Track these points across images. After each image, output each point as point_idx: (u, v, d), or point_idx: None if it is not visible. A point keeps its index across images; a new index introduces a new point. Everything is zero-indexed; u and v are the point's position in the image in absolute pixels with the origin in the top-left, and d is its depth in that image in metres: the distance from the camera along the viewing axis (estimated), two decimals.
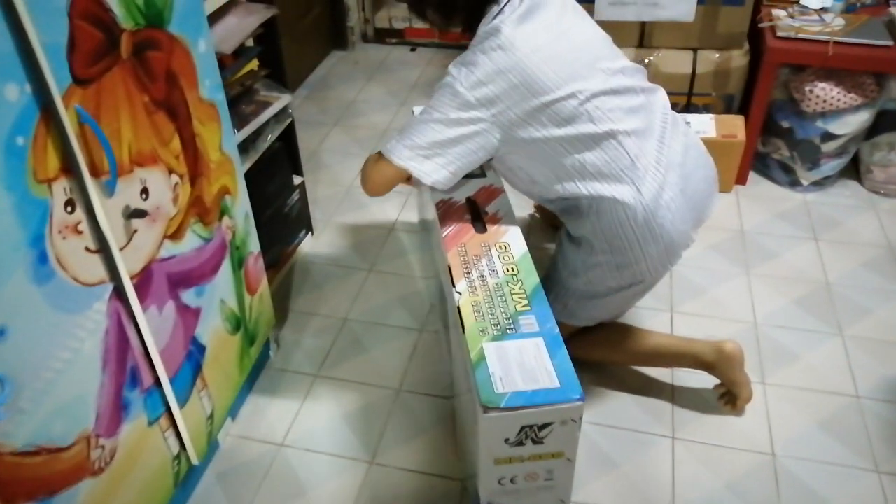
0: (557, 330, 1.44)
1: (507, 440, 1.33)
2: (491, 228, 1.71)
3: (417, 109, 2.22)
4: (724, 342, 1.84)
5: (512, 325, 1.44)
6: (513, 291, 1.53)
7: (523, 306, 1.49)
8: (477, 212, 1.76)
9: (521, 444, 1.33)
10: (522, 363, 1.36)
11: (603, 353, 1.93)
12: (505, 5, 1.57)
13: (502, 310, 1.48)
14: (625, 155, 1.57)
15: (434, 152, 1.57)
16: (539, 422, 1.31)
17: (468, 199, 1.80)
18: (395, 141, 1.60)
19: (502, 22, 1.53)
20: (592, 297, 1.77)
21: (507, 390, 1.31)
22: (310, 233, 2.55)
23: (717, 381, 1.90)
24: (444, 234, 1.69)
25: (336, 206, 2.74)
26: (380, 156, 1.63)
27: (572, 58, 1.56)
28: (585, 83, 1.54)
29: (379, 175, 1.64)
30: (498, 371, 1.34)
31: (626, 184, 1.58)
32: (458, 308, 1.49)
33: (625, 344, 1.90)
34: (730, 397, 1.89)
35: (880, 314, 2.20)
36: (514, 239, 1.67)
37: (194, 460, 1.66)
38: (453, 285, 1.55)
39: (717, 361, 1.84)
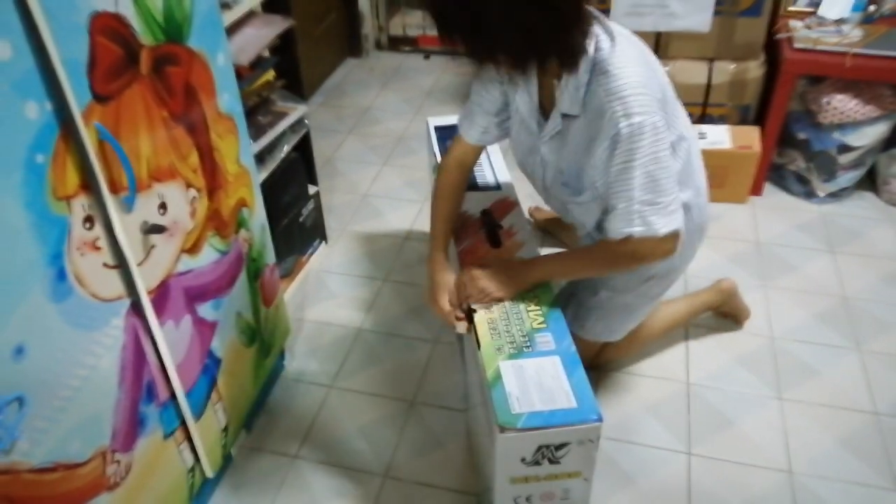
0: (574, 348, 1.43)
1: (523, 460, 1.32)
2: (506, 243, 1.70)
3: (434, 120, 2.21)
4: (720, 282, 2.13)
5: (528, 343, 1.43)
6: (529, 309, 1.52)
7: (539, 324, 1.48)
8: (492, 225, 1.75)
9: (537, 463, 1.32)
10: (539, 383, 1.35)
11: (630, 349, 2.00)
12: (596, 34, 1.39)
13: (518, 327, 1.47)
14: (690, 158, 1.57)
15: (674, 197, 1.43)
16: (556, 442, 1.30)
17: (483, 211, 1.79)
18: (651, 215, 1.39)
19: (617, 49, 1.37)
20: (635, 309, 1.78)
21: (523, 410, 1.30)
22: (324, 242, 2.54)
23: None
24: (459, 249, 1.68)
25: (351, 214, 2.74)
26: (658, 239, 1.42)
27: (656, 64, 1.48)
28: (669, 89, 1.49)
29: (661, 251, 1.45)
30: (515, 390, 1.33)
31: (690, 187, 1.58)
32: (474, 325, 1.49)
33: (646, 331, 1.95)
34: (733, 319, 2.19)
35: None
36: (529, 255, 1.66)
37: (209, 473, 1.65)
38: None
39: (722, 300, 2.13)
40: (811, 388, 2.00)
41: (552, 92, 1.47)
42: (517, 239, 1.71)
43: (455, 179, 1.74)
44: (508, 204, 1.81)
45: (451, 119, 2.18)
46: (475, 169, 1.93)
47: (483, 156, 2.02)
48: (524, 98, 1.55)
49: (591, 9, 1.38)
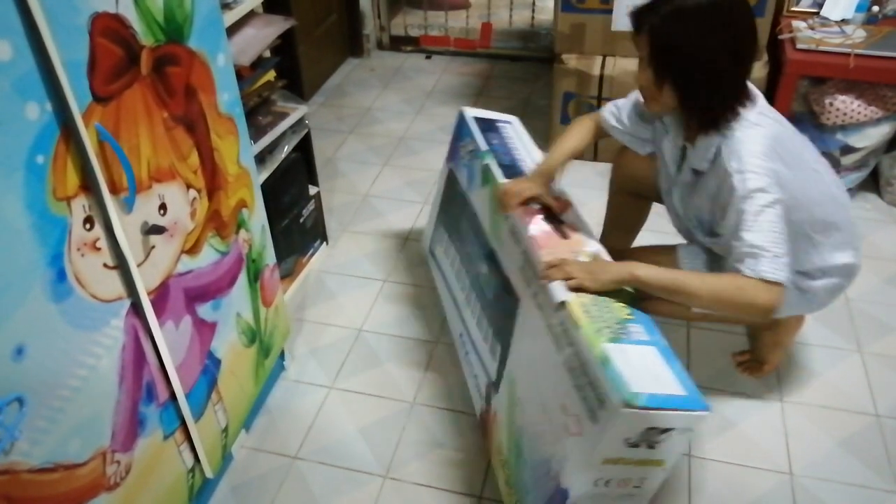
0: (666, 341, 1.43)
1: (627, 440, 1.31)
2: (573, 236, 1.69)
3: (469, 111, 2.18)
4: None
5: (623, 331, 1.42)
6: (613, 299, 1.51)
7: (627, 315, 1.48)
8: (553, 219, 1.75)
9: (636, 446, 1.32)
10: (646, 368, 1.34)
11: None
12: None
13: (609, 315, 1.46)
14: (835, 220, 1.69)
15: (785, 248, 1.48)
16: (664, 425, 1.30)
17: (543, 206, 1.77)
18: (761, 257, 1.43)
19: (752, 118, 1.52)
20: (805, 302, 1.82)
21: (642, 391, 1.28)
22: (325, 242, 2.54)
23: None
24: (530, 233, 1.66)
25: (351, 215, 2.74)
26: (763, 283, 1.43)
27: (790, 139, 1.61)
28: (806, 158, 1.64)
29: (763, 299, 1.44)
30: (626, 372, 1.31)
31: (851, 247, 1.73)
32: (569, 305, 1.46)
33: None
34: (755, 363, 2.03)
35: None
36: (599, 249, 1.66)
37: (209, 473, 1.65)
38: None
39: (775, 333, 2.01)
40: (812, 390, 2.00)
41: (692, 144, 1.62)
42: (581, 233, 1.71)
43: (588, 131, 1.93)
44: (564, 203, 1.82)
45: (484, 113, 2.20)
46: (523, 162, 1.98)
47: (532, 151, 2.06)
48: (668, 144, 1.71)
49: (752, 86, 1.56)
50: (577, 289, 1.51)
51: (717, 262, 1.62)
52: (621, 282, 1.53)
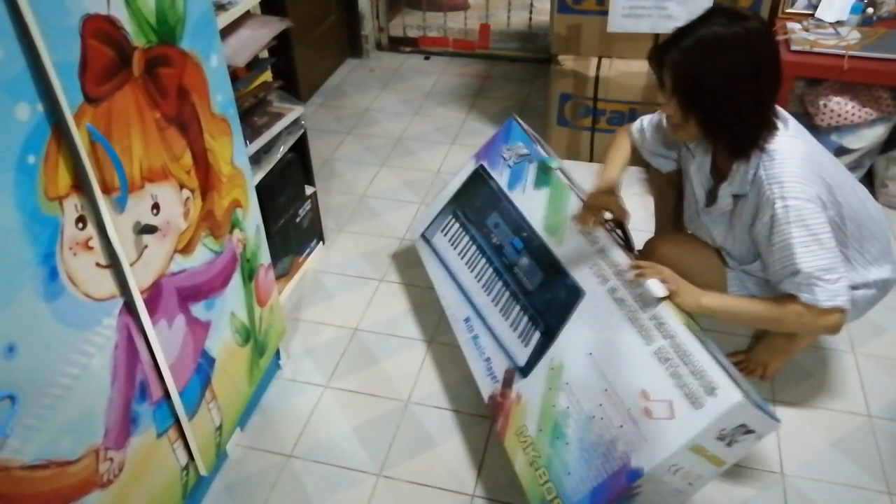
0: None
1: (721, 431, 1.38)
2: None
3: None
4: None
5: (704, 342, 1.50)
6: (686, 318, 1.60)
7: (701, 331, 1.55)
8: (624, 232, 1.87)
9: (722, 439, 1.39)
10: (737, 374, 1.47)
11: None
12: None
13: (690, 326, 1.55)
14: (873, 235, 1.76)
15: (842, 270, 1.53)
16: (752, 426, 1.39)
17: (607, 219, 1.87)
18: (815, 285, 1.49)
19: (786, 140, 1.55)
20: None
21: (745, 390, 1.39)
22: (321, 242, 2.55)
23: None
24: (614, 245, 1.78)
25: (348, 215, 2.75)
26: (822, 310, 1.50)
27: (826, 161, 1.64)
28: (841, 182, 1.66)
29: (825, 323, 1.52)
30: (729, 371, 1.42)
31: (889, 261, 1.80)
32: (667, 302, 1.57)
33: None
34: (753, 365, 2.03)
35: (894, 332, 2.17)
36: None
37: (203, 472, 1.66)
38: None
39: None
40: (804, 391, 2.00)
41: (723, 170, 1.66)
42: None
43: (630, 143, 2.00)
44: (625, 211, 1.90)
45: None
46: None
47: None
48: (696, 170, 1.76)
49: (781, 109, 1.59)
50: (670, 290, 1.59)
51: (766, 282, 1.69)
52: (689, 309, 1.59)
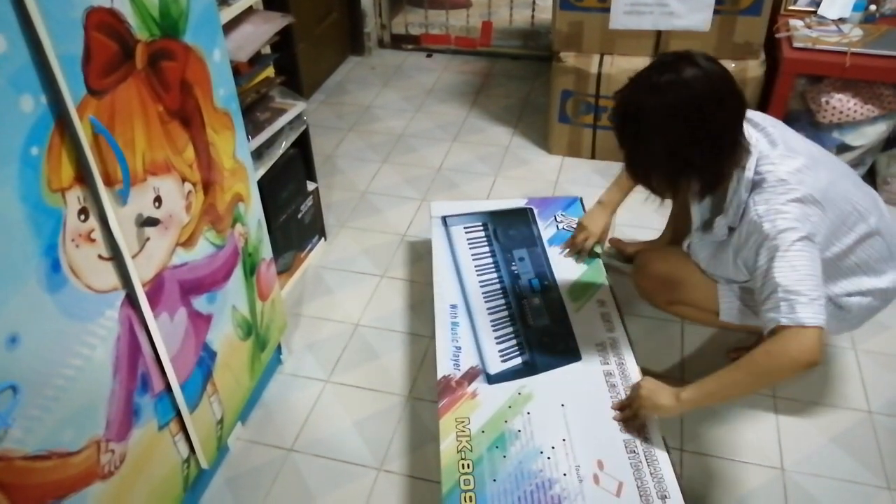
0: None
1: None
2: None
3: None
4: None
5: None
6: None
7: None
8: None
9: None
10: None
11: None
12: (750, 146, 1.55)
13: None
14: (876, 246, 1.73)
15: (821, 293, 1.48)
16: None
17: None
18: (797, 304, 1.43)
19: (775, 165, 1.53)
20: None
21: None
22: (323, 238, 2.56)
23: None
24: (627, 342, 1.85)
25: (350, 211, 2.76)
26: (801, 329, 1.43)
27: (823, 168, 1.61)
28: (841, 192, 1.63)
29: (808, 347, 1.43)
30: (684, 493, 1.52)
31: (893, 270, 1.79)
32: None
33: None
34: None
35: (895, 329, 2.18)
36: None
37: (204, 465, 1.67)
38: None
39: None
40: (805, 386, 2.01)
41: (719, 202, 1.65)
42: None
43: None
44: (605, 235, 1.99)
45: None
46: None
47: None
48: (697, 202, 1.77)
49: (752, 129, 1.57)
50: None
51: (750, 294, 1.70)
52: (675, 415, 1.59)
